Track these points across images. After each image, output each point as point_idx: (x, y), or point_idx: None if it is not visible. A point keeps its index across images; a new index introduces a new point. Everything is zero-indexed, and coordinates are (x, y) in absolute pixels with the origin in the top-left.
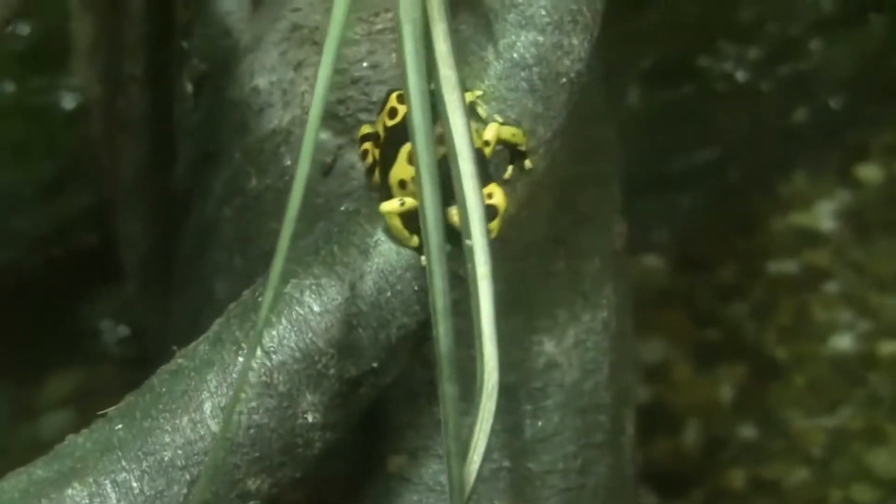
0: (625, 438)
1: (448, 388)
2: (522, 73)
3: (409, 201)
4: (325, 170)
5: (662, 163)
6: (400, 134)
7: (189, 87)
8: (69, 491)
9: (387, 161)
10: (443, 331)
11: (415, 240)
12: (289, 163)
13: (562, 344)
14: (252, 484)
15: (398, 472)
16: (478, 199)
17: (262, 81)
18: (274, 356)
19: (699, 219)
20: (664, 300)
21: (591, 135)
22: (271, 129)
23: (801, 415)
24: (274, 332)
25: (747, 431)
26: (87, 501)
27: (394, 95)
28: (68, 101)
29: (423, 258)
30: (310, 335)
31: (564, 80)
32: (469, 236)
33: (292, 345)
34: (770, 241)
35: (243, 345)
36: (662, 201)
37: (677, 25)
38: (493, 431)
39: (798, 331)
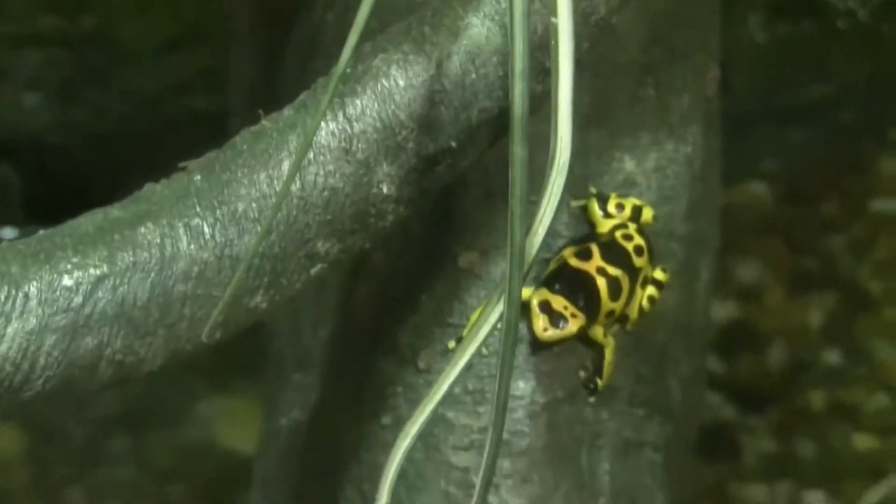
0: (699, 285)
1: (518, 151)
2: None
3: None
4: None
5: (778, 95)
6: None
7: None
8: (142, 230)
9: None
10: (518, 92)
11: None
12: None
13: (642, 165)
14: (321, 246)
15: (469, 267)
16: None
17: None
18: (355, 124)
19: (808, 153)
20: (765, 227)
21: None
22: None
23: (887, 345)
24: (357, 102)
25: (831, 357)
26: (158, 241)
27: None
28: None
29: None
30: (392, 107)
31: None
32: (555, 14)
33: (374, 115)
34: (875, 181)
35: (327, 112)
36: (774, 133)
37: None
38: (565, 238)
39: (893, 267)
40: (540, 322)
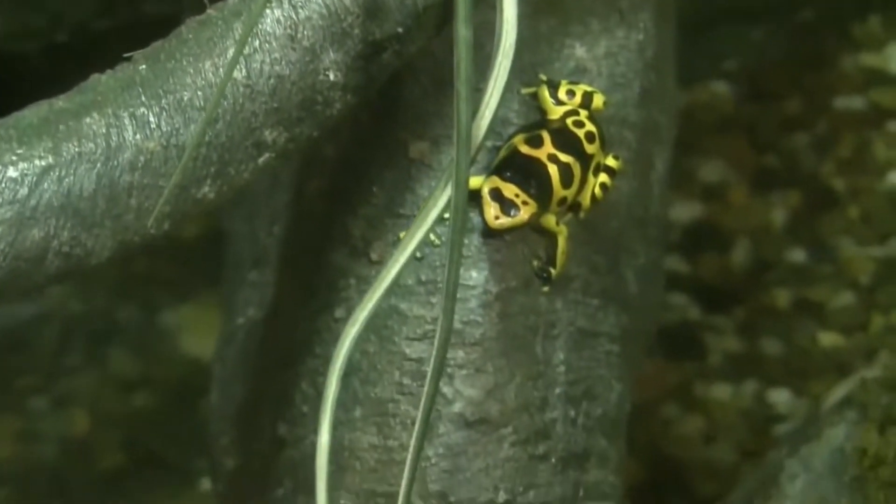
0: (654, 174)
1: (462, 31)
2: None
3: None
4: None
5: None
6: None
7: None
8: (87, 120)
9: None
10: None
11: None
12: None
13: (593, 51)
14: (269, 135)
15: (419, 157)
16: None
17: None
18: (301, 10)
19: (770, 52)
20: (727, 126)
21: None
22: None
23: (852, 243)
24: None
25: (796, 255)
26: (104, 131)
27: None
28: None
29: None
30: None
31: None
32: None
33: (319, 1)
34: (838, 79)
35: None
36: (735, 32)
37: None
38: (515, 126)
39: (857, 164)
40: (491, 210)
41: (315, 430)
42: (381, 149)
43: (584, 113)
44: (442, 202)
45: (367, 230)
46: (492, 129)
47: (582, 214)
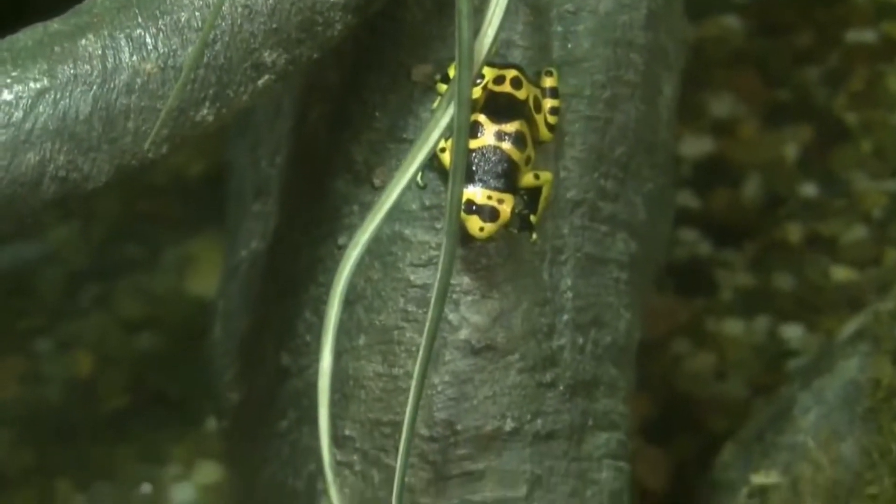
0: (661, 100)
1: None
2: None
3: None
4: None
5: None
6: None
7: None
8: (83, 42)
9: None
10: None
11: None
12: None
13: None
14: (268, 56)
15: (422, 80)
16: None
17: None
18: None
19: None
20: (738, 60)
21: None
22: None
23: (865, 177)
24: None
25: (808, 190)
26: (100, 52)
27: None
28: None
29: None
30: None
31: None
32: None
33: None
34: (850, 12)
35: None
36: None
37: None
38: (520, 48)
39: (870, 98)
40: (474, 223)
41: (319, 359)
42: (383, 72)
43: (490, 70)
44: (444, 122)
45: (370, 156)
46: (495, 49)
47: (549, 142)
